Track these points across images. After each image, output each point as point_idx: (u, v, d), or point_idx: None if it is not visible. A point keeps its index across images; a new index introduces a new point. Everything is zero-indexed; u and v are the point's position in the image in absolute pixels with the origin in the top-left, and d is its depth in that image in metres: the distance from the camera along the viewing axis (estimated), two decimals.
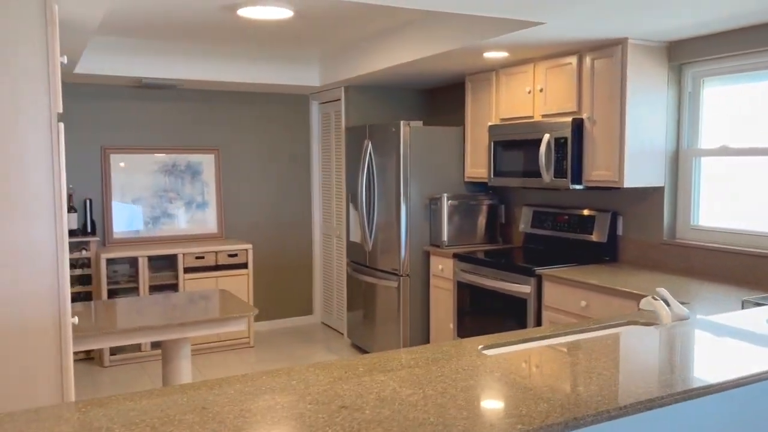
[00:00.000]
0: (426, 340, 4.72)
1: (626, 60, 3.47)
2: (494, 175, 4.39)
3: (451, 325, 4.43)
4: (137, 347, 5.05)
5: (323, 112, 6.03)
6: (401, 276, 4.66)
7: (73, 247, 5.06)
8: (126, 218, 5.40)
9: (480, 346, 2.08)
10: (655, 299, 1.99)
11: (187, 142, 5.64)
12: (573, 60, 3.80)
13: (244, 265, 5.40)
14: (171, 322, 3.21)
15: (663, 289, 2.05)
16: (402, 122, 4.57)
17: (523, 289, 3.69)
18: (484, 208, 4.77)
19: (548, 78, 3.99)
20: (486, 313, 4.05)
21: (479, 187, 4.88)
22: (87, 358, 5.12)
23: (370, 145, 4.90)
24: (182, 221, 5.61)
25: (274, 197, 6.03)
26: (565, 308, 3.45)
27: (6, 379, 2.40)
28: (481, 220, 4.76)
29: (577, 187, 3.77)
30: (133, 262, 5.13)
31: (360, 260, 5.17)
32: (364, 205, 5.03)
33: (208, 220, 5.72)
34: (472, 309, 4.21)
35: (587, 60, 3.70)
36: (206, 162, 5.72)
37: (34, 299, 2.44)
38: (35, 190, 2.42)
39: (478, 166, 4.67)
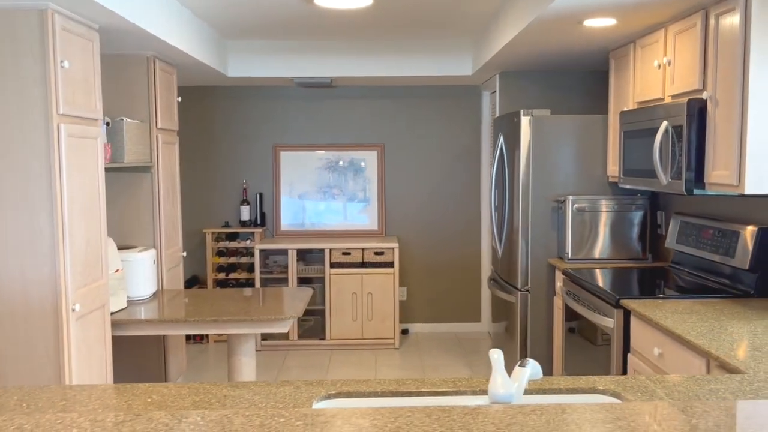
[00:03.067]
0: (548, 370, 4.00)
1: (750, 12, 2.41)
2: (623, 173, 3.49)
3: (560, 354, 3.68)
4: (285, 335, 5.32)
5: (493, 103, 5.54)
6: (520, 291, 4.03)
7: (242, 237, 5.55)
8: (292, 212, 5.72)
9: (325, 392, 1.67)
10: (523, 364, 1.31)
11: (351, 139, 5.72)
12: (697, 20, 2.79)
13: (390, 264, 5.27)
14: (217, 317, 3.28)
15: None
16: (522, 111, 3.93)
17: (605, 322, 2.86)
18: (629, 216, 3.83)
19: (676, 46, 3.01)
20: (582, 347, 3.25)
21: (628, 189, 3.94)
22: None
23: (501, 138, 4.34)
24: (344, 216, 5.73)
25: (439, 195, 5.76)
26: (644, 353, 2.57)
27: (14, 358, 2.72)
28: (625, 231, 3.83)
29: (698, 191, 2.77)
30: (287, 254, 5.41)
31: (496, 268, 4.63)
32: (494, 207, 4.48)
33: (370, 217, 5.73)
34: (572, 340, 3.43)
35: (712, 19, 2.68)
36: (369, 158, 5.72)
37: (35, 285, 2.71)
38: (35, 183, 2.68)
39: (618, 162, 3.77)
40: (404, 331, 5.81)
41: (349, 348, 5.34)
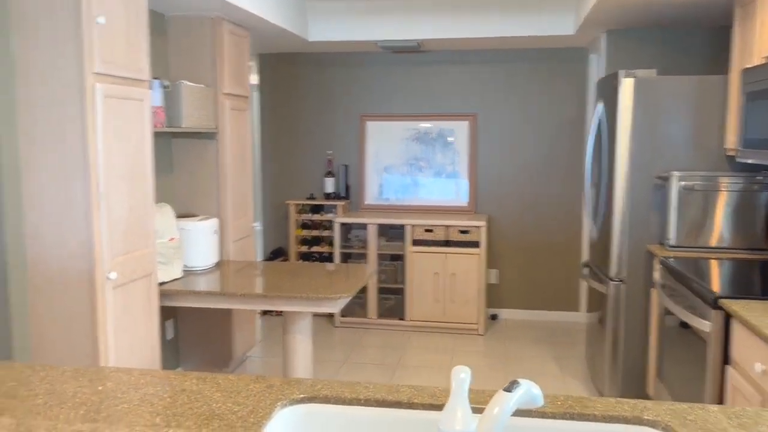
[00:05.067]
0: (639, 376, 3.46)
1: None
2: (743, 144, 2.86)
3: (655, 358, 3.14)
4: (364, 313, 5.10)
5: (602, 67, 4.91)
6: (612, 280, 3.49)
7: (325, 210, 5.37)
8: (377, 185, 5.45)
9: (299, 395, 1.38)
10: None
11: (441, 108, 5.33)
12: None
13: (476, 244, 4.86)
14: (267, 293, 3.09)
15: None
16: (623, 72, 3.36)
17: (701, 324, 2.32)
18: (752, 197, 3.17)
19: None
20: (684, 351, 2.71)
21: (751, 164, 3.26)
22: (328, 315, 5.41)
23: (600, 104, 3.77)
24: (431, 191, 5.37)
25: (536, 170, 5.24)
26: (746, 367, 2.04)
27: (54, 328, 2.67)
28: (745, 215, 3.18)
29: None
30: (366, 229, 5.15)
31: (591, 253, 4.09)
32: (588, 184, 3.93)
33: (459, 192, 5.34)
34: (672, 340, 2.89)
35: None
36: (459, 129, 5.31)
37: (72, 252, 2.63)
38: (70, 146, 2.58)
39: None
40: (493, 317, 5.39)
41: (429, 330, 5.01)
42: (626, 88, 3.35)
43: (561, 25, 4.49)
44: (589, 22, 4.00)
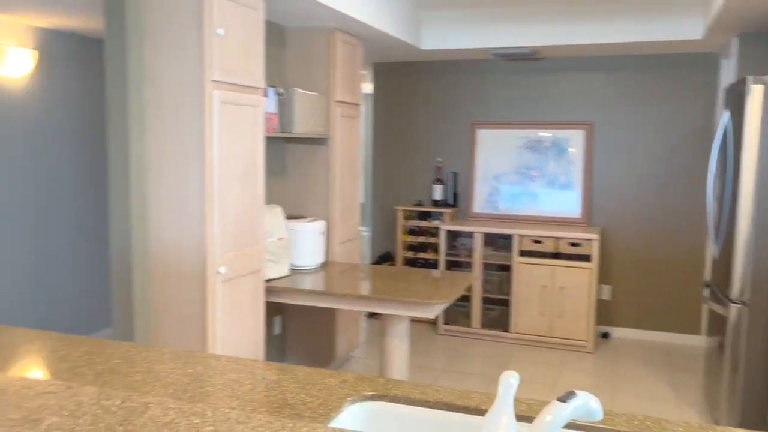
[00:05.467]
0: (761, 407, 3.16)
1: None
2: None
3: None
4: (468, 323, 5.06)
5: (732, 73, 4.57)
6: (733, 302, 3.23)
7: (432, 217, 5.40)
8: (486, 194, 5.40)
9: (369, 393, 1.42)
10: None
11: (555, 116, 5.19)
12: None
13: (587, 258, 4.68)
14: (366, 295, 3.17)
15: None
16: (751, 78, 3.11)
17: None
18: None
19: None
20: None
21: None
22: (431, 322, 5.41)
23: (727, 113, 3.51)
24: (542, 201, 5.24)
25: (657, 182, 4.96)
26: None
27: (170, 317, 2.90)
28: None
29: None
30: (473, 237, 5.11)
31: (713, 272, 3.80)
32: (711, 198, 3.66)
33: (571, 203, 5.17)
34: None
35: None
36: (574, 138, 5.14)
37: (187, 247, 2.84)
38: (189, 148, 2.80)
39: None
40: (604, 335, 5.15)
41: (535, 345, 4.88)
42: (755, 95, 3.10)
43: (688, 30, 4.23)
44: (718, 25, 3.74)
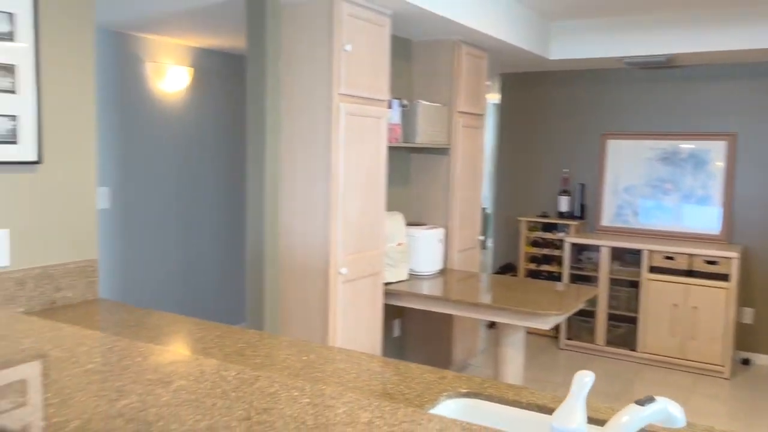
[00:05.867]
0: None
1: None
2: None
3: None
4: (591, 339, 4.91)
5: None
6: None
7: (557, 229, 5.31)
8: (616, 206, 5.22)
9: (465, 390, 1.51)
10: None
11: (693, 126, 4.92)
12: None
13: (725, 277, 4.38)
14: (478, 302, 3.22)
15: None
16: None
17: None
18: None
19: None
20: None
21: None
22: (553, 336, 5.31)
23: None
24: (676, 216, 4.98)
25: None
26: None
27: (296, 312, 3.12)
28: None
29: None
30: (599, 251, 4.96)
31: None
32: None
33: (709, 219, 4.86)
34: None
35: None
36: (715, 150, 4.85)
37: (312, 248, 3.05)
38: (317, 156, 3.01)
39: None
40: (744, 361, 4.79)
41: (663, 366, 4.64)
42: None
43: None
44: None
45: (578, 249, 5.09)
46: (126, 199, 4.23)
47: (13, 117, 2.05)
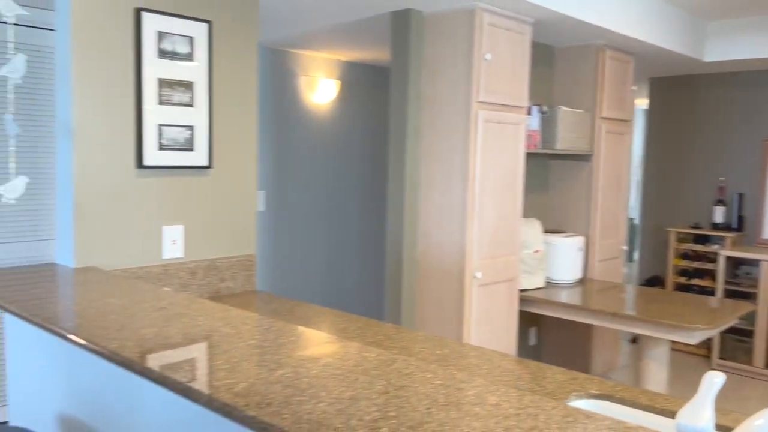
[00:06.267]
0: None
1: None
2: None
3: None
4: (748, 360, 4.55)
5: None
6: None
7: (711, 241, 4.99)
8: None
9: (596, 392, 1.54)
10: None
11: None
12: None
13: None
14: (617, 312, 3.14)
15: None
16: None
17: None
18: None
19: None
20: None
21: None
22: (704, 355, 4.97)
23: None
24: None
25: None
26: None
27: (432, 312, 3.23)
28: None
29: None
30: (759, 265, 4.58)
31: None
32: None
33: None
34: None
35: None
36: None
37: (449, 251, 3.15)
38: (455, 162, 3.10)
39: None
40: None
41: (756, 377, 4.20)
42: None
43: None
44: None
45: (735, 263, 4.75)
46: (279, 202, 4.59)
47: (190, 127, 2.35)
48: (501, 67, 3.12)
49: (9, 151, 2.91)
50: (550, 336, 4.23)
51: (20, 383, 2.06)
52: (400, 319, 3.27)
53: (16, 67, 1.89)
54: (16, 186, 1.91)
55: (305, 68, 4.67)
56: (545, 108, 3.69)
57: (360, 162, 5.17)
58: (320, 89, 4.73)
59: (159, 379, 1.18)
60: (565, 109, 3.70)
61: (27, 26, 3.09)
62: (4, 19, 1.89)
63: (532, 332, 4.19)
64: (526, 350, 4.13)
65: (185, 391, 1.12)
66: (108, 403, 1.65)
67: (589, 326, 4.06)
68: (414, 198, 3.26)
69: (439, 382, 1.13)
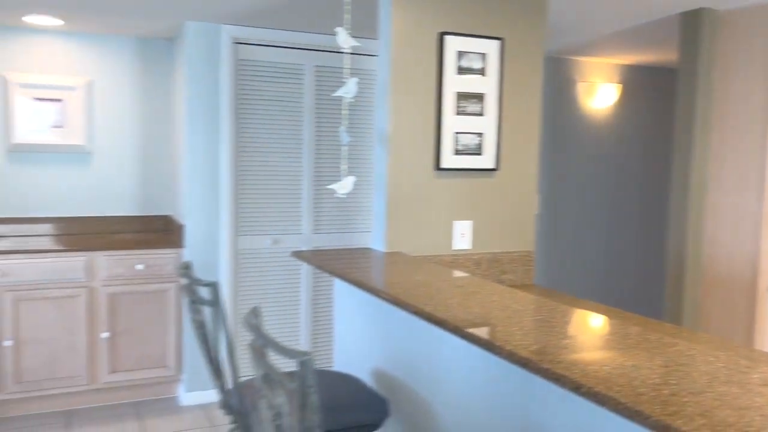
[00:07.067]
0: None
1: None
2: None
3: None
4: None
5: None
6: None
7: None
8: None
9: None
10: None
11: None
12: None
13: None
14: None
15: None
16: None
17: None
18: None
19: None
20: None
21: None
22: None
23: None
24: None
25: None
26: None
27: (715, 317, 3.08)
28: None
29: None
30: None
31: None
32: None
33: None
34: None
35: None
36: None
37: (737, 258, 2.98)
38: (748, 167, 2.93)
39: None
40: None
41: None
42: None
43: None
44: None
45: None
46: (554, 205, 4.72)
47: (479, 134, 2.64)
48: None
49: (341, 157, 3.63)
50: None
51: (344, 338, 2.54)
52: (680, 323, 3.17)
53: (350, 89, 2.36)
54: (347, 184, 2.39)
55: (584, 74, 4.72)
56: None
57: (640, 165, 5.03)
58: (599, 94, 4.74)
59: (467, 336, 1.45)
60: None
61: (357, 54, 3.72)
62: (342, 50, 2.37)
63: None
64: None
65: (488, 346, 1.37)
66: (413, 357, 1.99)
67: None
68: (699, 203, 3.15)
69: (721, 365, 1.21)
